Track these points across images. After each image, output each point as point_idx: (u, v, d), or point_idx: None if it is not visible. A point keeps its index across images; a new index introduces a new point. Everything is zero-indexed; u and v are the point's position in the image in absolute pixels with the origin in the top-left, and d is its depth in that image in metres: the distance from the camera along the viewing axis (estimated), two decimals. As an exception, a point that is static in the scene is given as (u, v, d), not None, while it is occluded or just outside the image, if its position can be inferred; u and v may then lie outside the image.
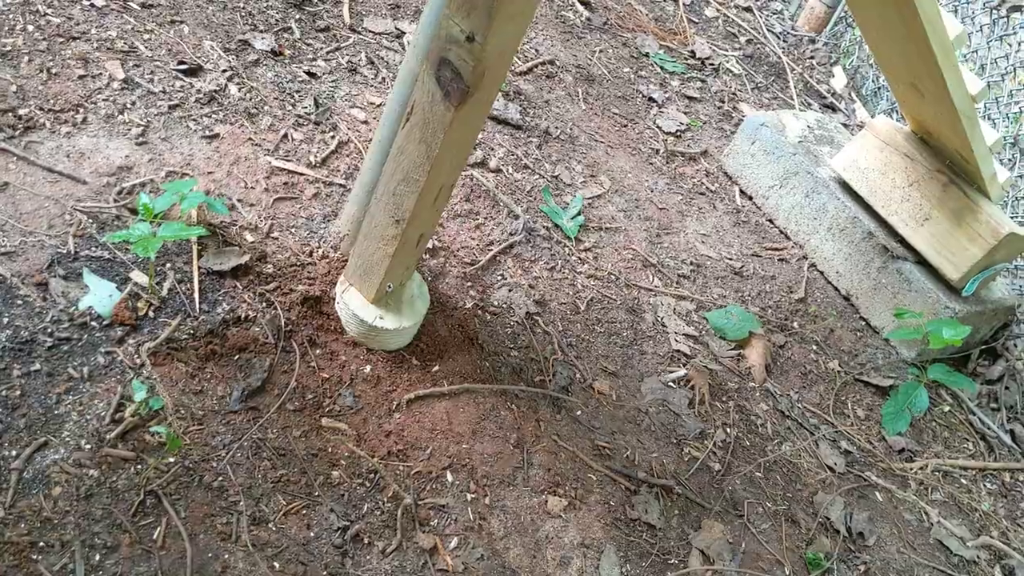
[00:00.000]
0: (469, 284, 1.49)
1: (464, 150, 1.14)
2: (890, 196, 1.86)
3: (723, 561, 1.30)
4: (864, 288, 1.89)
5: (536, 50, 2.20)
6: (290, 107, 1.60)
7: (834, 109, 2.89)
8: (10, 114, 1.32)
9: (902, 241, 1.86)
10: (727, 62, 2.72)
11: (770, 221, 2.06)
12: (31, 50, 1.43)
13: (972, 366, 1.94)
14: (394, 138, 1.15)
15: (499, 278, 1.53)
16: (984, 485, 1.71)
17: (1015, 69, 2.18)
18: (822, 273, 1.97)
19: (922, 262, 1.83)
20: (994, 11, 2.28)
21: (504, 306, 1.49)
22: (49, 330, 1.11)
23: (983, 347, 1.96)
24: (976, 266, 1.75)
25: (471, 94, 1.03)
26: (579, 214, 1.75)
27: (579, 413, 1.40)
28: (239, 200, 1.39)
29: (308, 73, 1.70)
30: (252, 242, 1.34)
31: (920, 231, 1.82)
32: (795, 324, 1.82)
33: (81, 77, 1.43)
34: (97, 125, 1.38)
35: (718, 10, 3.01)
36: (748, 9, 3.15)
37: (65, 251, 1.20)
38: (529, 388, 1.38)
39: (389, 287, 1.28)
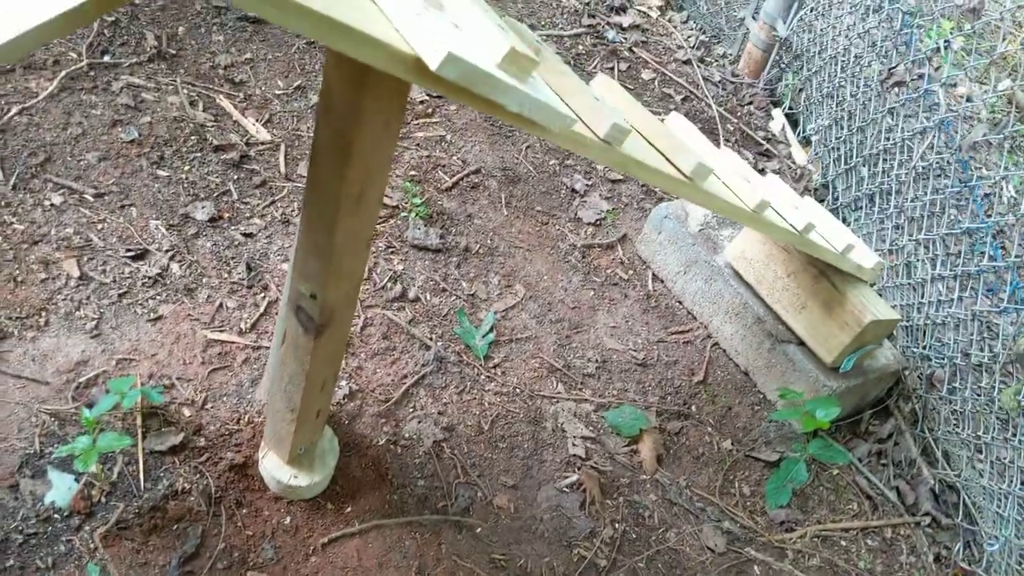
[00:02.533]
0: (383, 420, 1.76)
1: (335, 358, 1.40)
2: (773, 285, 2.08)
3: (596, 655, 1.56)
4: (759, 365, 2.12)
5: (463, 160, 2.44)
6: (226, 275, 1.87)
7: (769, 156, 3.08)
8: (-15, 329, 1.61)
9: (786, 325, 2.08)
10: (659, 128, 2.93)
11: (679, 303, 2.29)
12: (1, 261, 1.72)
13: (864, 426, 2.16)
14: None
15: (411, 410, 1.80)
16: (865, 543, 1.94)
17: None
18: (724, 351, 2.20)
19: (805, 344, 2.05)
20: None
21: (414, 438, 1.75)
22: (20, 528, 1.40)
23: (874, 409, 2.17)
24: (846, 350, 1.97)
25: (325, 329, 1.29)
26: (490, 331, 2.00)
27: (479, 530, 1.66)
28: (178, 378, 1.67)
29: (244, 234, 1.98)
30: (189, 417, 1.62)
31: (799, 318, 2.04)
32: (693, 408, 2.06)
33: (43, 280, 1.72)
34: (57, 325, 1.67)
35: (655, 70, 3.21)
36: (687, 62, 3.34)
37: (32, 451, 1.49)
38: (433, 516, 1.65)
39: (301, 449, 1.55)
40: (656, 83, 3.14)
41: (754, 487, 1.95)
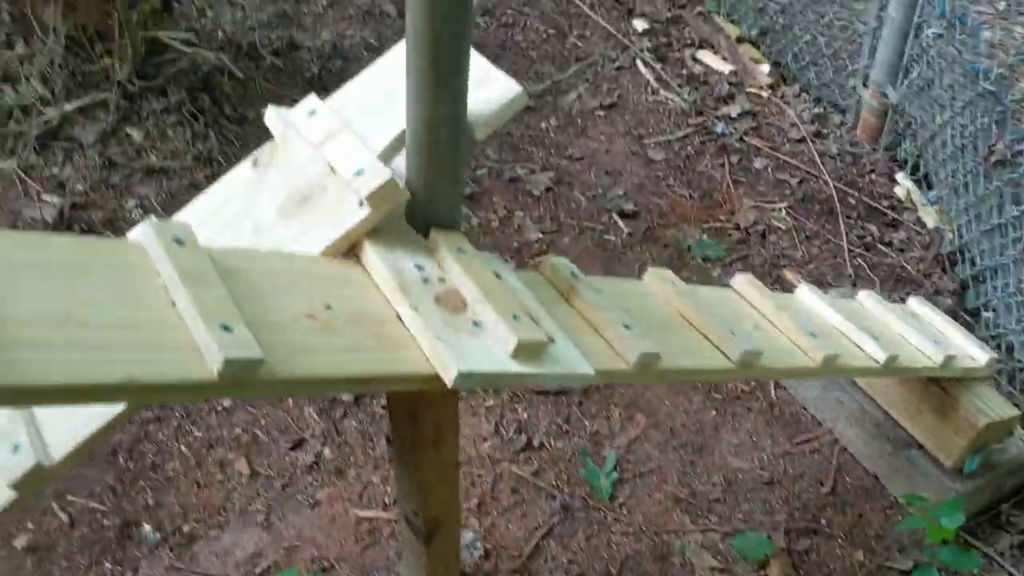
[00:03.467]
0: (518, 575, 1.93)
1: (448, 556, 1.59)
2: (886, 392, 2.11)
3: None
4: (885, 470, 2.14)
5: (579, 293, 2.60)
6: (370, 451, 2.12)
7: (896, 226, 3.06)
8: (177, 534, 1.92)
9: (904, 429, 2.09)
10: (775, 218, 2.99)
11: (803, 408, 2.34)
12: (186, 469, 2.04)
13: (1005, 517, 2.12)
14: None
15: (543, 563, 1.96)
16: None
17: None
18: (852, 456, 2.23)
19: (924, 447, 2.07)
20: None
21: (548, 589, 1.92)
22: None
23: (1014, 499, 2.13)
24: (964, 453, 1.97)
25: (433, 536, 1.48)
26: (614, 469, 2.14)
27: (614, 674, 1.80)
28: (335, 559, 1.91)
29: (384, 407, 2.22)
30: (347, 596, 1.86)
31: (916, 422, 2.05)
32: (823, 520, 2.10)
33: (220, 481, 2.03)
34: (235, 521, 1.96)
35: (768, 155, 3.26)
36: (802, 140, 3.38)
37: (223, 642, 1.77)
38: (568, 665, 1.80)
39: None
40: (770, 170, 3.20)
41: (891, 600, 1.97)
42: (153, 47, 2.82)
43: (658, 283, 1.52)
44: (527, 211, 2.83)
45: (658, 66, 3.62)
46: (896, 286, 2.76)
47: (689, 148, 3.24)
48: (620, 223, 2.87)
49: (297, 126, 1.23)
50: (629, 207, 2.91)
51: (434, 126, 1.09)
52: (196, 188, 2.61)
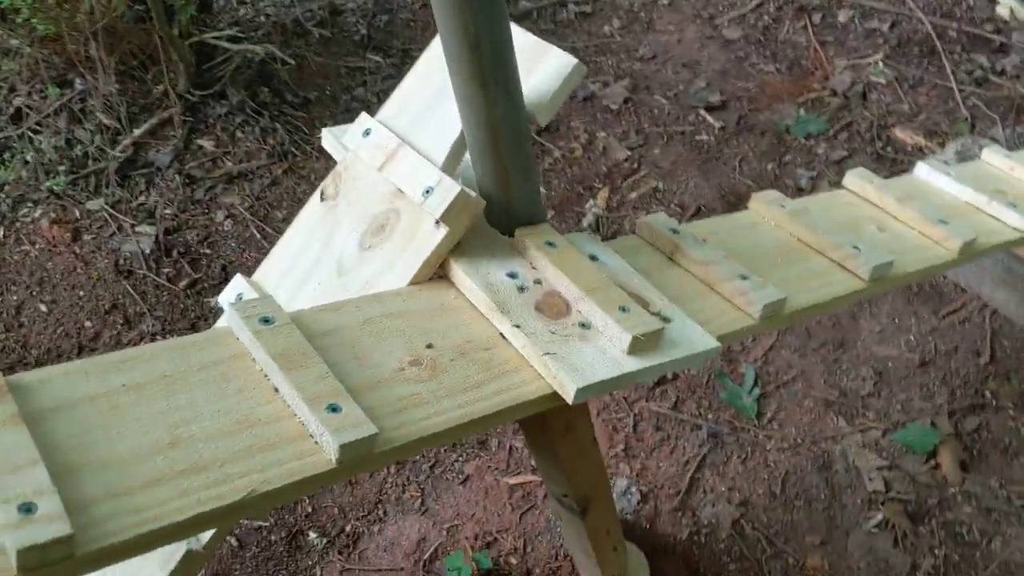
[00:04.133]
0: (680, 514, 1.90)
1: (610, 525, 1.56)
2: (1034, 246, 1.94)
3: None
4: (1048, 328, 1.99)
5: (682, 204, 2.50)
6: (506, 416, 2.11)
7: (1005, 50, 2.80)
8: (341, 535, 1.97)
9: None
10: (873, 73, 2.78)
11: (943, 277, 2.20)
12: (335, 470, 2.08)
13: None
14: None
15: (703, 495, 1.92)
16: None
17: None
18: (1005, 318, 2.09)
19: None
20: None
21: (713, 523, 1.88)
22: None
23: None
24: None
25: (588, 512, 1.46)
26: (755, 384, 2.07)
27: (798, 596, 1.76)
28: (497, 531, 1.93)
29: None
30: (516, 565, 1.87)
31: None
32: (987, 393, 1.99)
33: (371, 476, 2.06)
34: (393, 512, 1.99)
35: (852, 4, 3.02)
36: (884, -23, 3.11)
37: (409, 633, 1.81)
38: (749, 596, 1.77)
39: (614, 576, 1.74)
40: (856, 21, 2.97)
41: (1079, 465, 1.86)
42: (202, 52, 2.79)
43: (765, 207, 1.42)
44: (609, 129, 2.71)
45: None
46: (1021, 119, 2.53)
47: (765, 17, 3.03)
48: (709, 118, 2.72)
49: (355, 149, 1.17)
50: (715, 99, 2.75)
51: (492, 127, 1.02)
52: (277, 185, 2.61)
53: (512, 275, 1.08)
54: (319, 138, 2.65)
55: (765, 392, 2.07)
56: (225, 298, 1.18)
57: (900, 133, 2.55)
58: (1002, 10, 2.87)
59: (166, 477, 0.77)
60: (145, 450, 0.79)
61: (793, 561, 1.81)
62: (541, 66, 1.08)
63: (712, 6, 3.08)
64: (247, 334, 0.91)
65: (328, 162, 2.64)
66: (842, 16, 2.97)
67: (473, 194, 1.05)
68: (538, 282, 1.08)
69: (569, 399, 0.95)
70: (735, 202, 2.46)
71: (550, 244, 1.11)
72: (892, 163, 2.48)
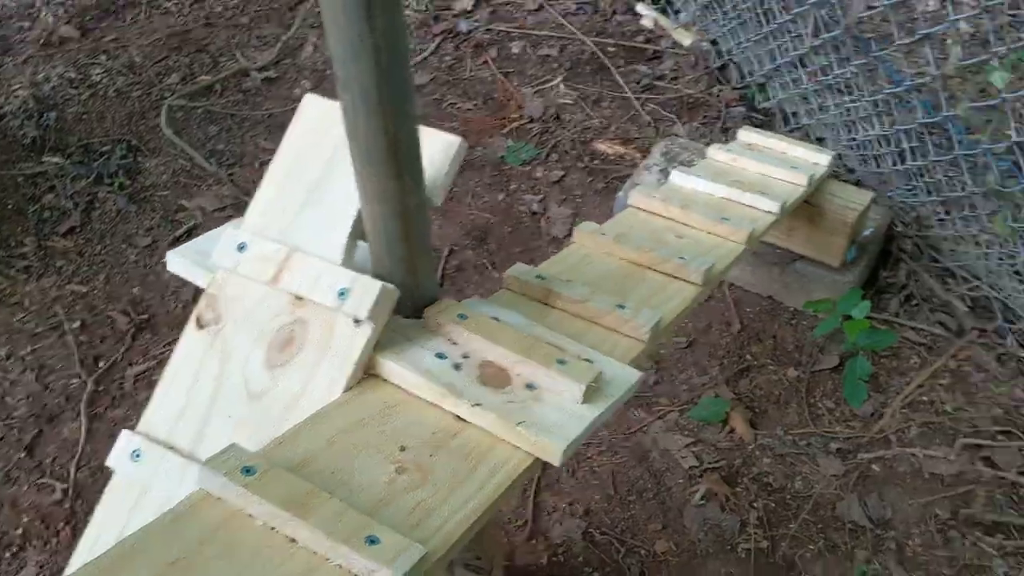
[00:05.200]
0: (534, 541, 1.96)
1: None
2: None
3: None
4: (779, 289, 2.32)
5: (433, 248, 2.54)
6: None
7: (659, 57, 3.18)
8: None
9: (785, 250, 2.26)
10: (559, 95, 3.02)
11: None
12: None
13: (883, 282, 2.38)
14: None
15: (547, 517, 2.00)
16: (940, 386, 2.19)
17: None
18: (743, 288, 2.39)
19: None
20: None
21: (566, 540, 1.96)
22: None
23: (884, 265, 2.39)
24: (846, 248, 2.16)
25: (492, 571, 1.47)
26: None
27: (660, 581, 1.90)
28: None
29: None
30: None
31: (792, 240, 2.22)
32: (748, 356, 2.27)
33: None
34: None
35: (522, 36, 3.26)
36: (540, 8, 3.39)
37: None
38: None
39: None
40: (529, 50, 3.20)
41: (835, 397, 2.18)
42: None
43: (588, 239, 1.52)
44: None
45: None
46: (692, 115, 2.90)
47: (447, 58, 3.17)
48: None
49: (231, 267, 1.09)
50: (429, 142, 2.83)
51: (406, 217, 1.02)
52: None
53: (440, 355, 1.08)
54: (21, 255, 2.37)
55: (570, 405, 2.18)
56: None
57: (601, 145, 2.81)
58: (646, 22, 3.26)
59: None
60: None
61: (645, 552, 1.94)
62: (428, 150, 1.08)
63: (394, 53, 3.17)
64: (235, 490, 0.83)
65: (40, 281, 2.35)
66: (515, 47, 3.20)
67: (391, 286, 1.03)
68: (466, 356, 1.09)
69: (556, 461, 0.98)
70: (483, 236, 2.56)
71: (461, 316, 1.12)
72: (603, 174, 2.72)
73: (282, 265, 1.06)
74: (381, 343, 1.06)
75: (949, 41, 2.43)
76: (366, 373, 1.06)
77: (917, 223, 2.36)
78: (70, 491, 2.01)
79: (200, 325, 1.10)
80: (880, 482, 2.02)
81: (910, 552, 1.92)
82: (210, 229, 2.51)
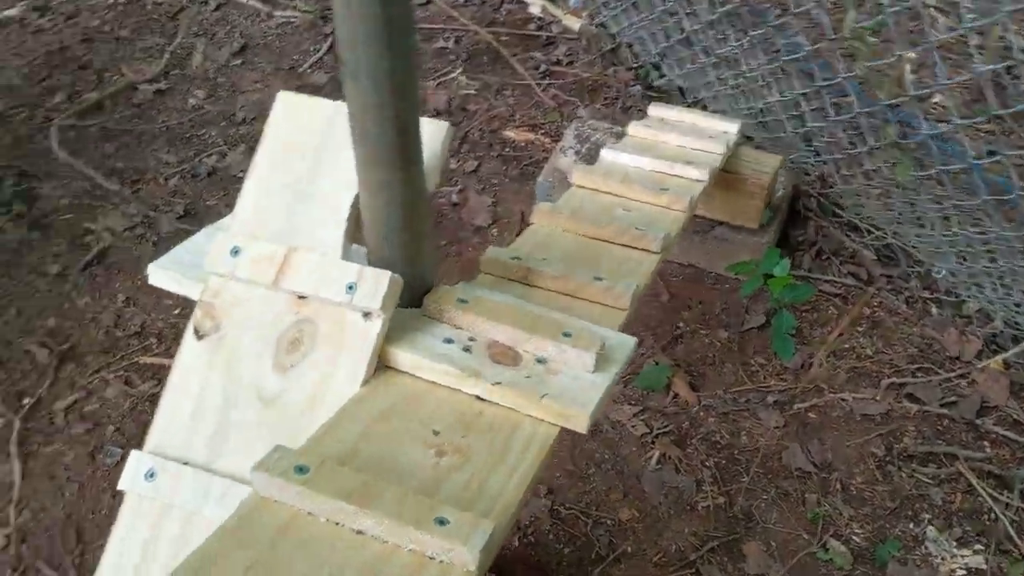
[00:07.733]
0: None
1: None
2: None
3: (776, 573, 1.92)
4: (701, 256, 2.41)
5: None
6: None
7: (553, 43, 3.23)
8: None
9: (705, 218, 2.36)
10: (461, 87, 3.04)
11: (604, 242, 2.52)
12: None
13: (793, 240, 2.51)
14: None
15: (513, 501, 2.02)
16: (857, 333, 2.33)
17: None
18: (667, 260, 2.47)
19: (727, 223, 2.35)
20: None
21: (534, 520, 1.99)
22: None
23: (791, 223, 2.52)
24: (763, 210, 2.27)
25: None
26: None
27: (630, 549, 1.95)
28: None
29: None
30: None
31: (711, 208, 2.32)
32: (680, 324, 2.35)
33: None
34: None
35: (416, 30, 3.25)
36: (429, 2, 3.39)
37: None
38: (599, 566, 1.92)
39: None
40: (423, 44, 3.20)
41: (766, 353, 2.29)
42: None
43: (546, 217, 1.55)
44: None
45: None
46: (593, 97, 2.97)
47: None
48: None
49: (228, 272, 1.07)
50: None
51: (410, 206, 1.02)
52: None
53: (448, 340, 1.09)
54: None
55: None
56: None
57: (510, 133, 2.85)
58: (534, 9, 3.31)
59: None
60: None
61: (611, 522, 1.99)
62: (423, 137, 1.09)
63: (287, 58, 3.12)
64: (294, 490, 0.82)
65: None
66: (409, 43, 3.19)
67: (398, 276, 1.04)
68: (472, 339, 1.10)
69: (583, 429, 1.01)
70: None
71: (461, 300, 1.13)
72: (516, 161, 2.76)
73: (282, 265, 1.05)
74: (388, 334, 1.06)
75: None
76: (379, 366, 1.06)
77: (820, 181, 2.50)
78: (13, 536, 1.90)
79: (199, 336, 1.07)
80: (818, 428, 2.13)
81: (854, 491, 2.04)
82: (121, 250, 2.44)
